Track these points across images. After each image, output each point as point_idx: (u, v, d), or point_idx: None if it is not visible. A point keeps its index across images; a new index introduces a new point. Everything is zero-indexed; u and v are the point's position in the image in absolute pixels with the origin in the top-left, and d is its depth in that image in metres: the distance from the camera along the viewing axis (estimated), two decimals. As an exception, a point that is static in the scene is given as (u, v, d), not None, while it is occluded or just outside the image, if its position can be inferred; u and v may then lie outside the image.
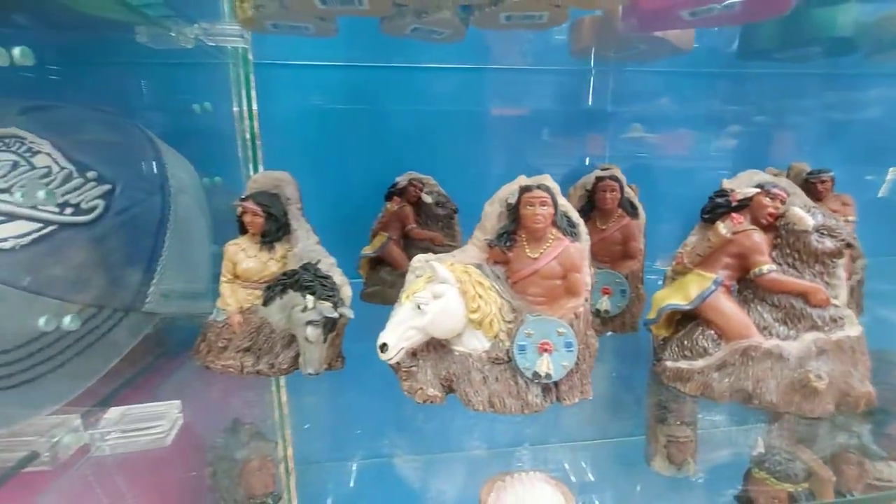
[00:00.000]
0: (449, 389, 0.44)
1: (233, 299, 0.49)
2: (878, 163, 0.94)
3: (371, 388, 0.51)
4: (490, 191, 0.88)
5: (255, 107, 0.71)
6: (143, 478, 0.43)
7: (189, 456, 0.44)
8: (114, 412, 0.40)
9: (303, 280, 0.45)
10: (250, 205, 0.48)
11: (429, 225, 0.74)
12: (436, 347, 0.44)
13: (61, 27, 0.54)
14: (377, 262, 0.73)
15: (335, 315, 0.43)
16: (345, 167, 0.80)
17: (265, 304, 0.48)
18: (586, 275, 0.43)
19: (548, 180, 0.45)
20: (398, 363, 0.43)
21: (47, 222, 0.44)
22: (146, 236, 0.51)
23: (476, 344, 0.43)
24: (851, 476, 0.39)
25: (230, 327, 0.48)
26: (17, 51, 0.36)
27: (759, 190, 0.45)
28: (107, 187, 0.47)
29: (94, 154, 0.48)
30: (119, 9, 0.54)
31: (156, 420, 0.40)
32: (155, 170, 0.54)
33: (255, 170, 0.75)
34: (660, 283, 0.52)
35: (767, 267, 0.43)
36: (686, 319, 0.48)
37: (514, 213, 0.44)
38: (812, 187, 0.64)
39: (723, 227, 0.45)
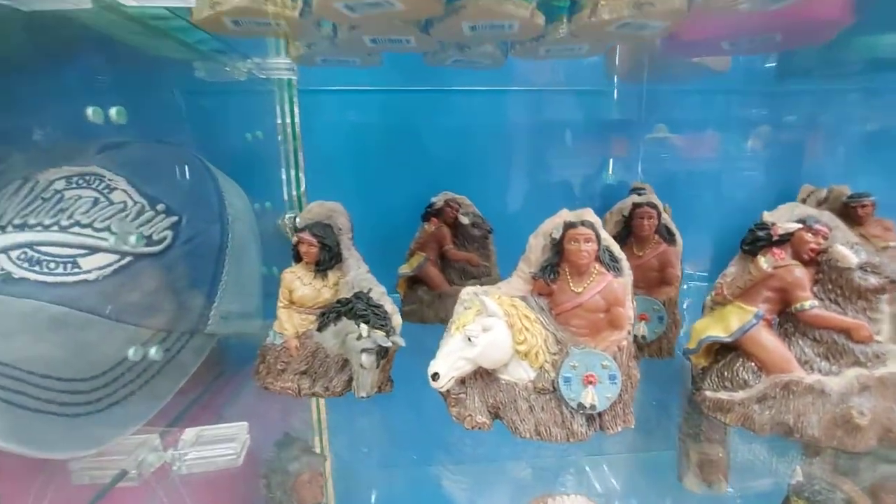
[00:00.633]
0: (495, 416, 0.46)
1: (289, 324, 0.52)
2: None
3: (412, 405, 0.53)
4: (523, 211, 0.90)
5: (298, 132, 0.75)
6: (215, 492, 0.47)
7: (249, 468, 0.47)
8: (189, 433, 0.44)
9: (357, 309, 0.47)
10: (306, 236, 0.51)
11: (465, 245, 0.77)
12: (482, 376, 0.46)
13: (126, 66, 0.58)
14: (414, 281, 0.76)
15: (388, 344, 0.46)
16: (382, 187, 0.83)
17: (319, 329, 0.51)
18: (629, 309, 0.44)
19: (590, 215, 0.46)
20: (448, 391, 0.45)
21: (124, 254, 0.47)
22: (208, 263, 0.55)
23: (522, 374, 0.45)
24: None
25: (288, 351, 0.52)
26: (112, 111, 0.39)
27: (800, 225, 0.45)
28: (174, 219, 0.51)
29: (162, 187, 0.52)
30: (179, 48, 0.58)
31: (228, 441, 0.43)
32: (214, 199, 0.57)
33: (298, 192, 0.78)
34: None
35: (810, 303, 0.44)
36: (725, 349, 0.49)
37: (557, 247, 0.46)
38: (852, 211, 0.64)
39: (764, 262, 0.46)
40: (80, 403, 0.41)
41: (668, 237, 0.59)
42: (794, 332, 0.45)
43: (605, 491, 0.45)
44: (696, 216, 0.88)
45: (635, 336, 0.59)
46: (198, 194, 0.56)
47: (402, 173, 0.83)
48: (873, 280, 0.44)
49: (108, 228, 0.47)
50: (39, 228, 0.46)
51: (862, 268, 0.44)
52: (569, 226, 0.45)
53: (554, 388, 0.44)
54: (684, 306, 0.67)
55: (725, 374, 0.47)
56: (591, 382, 0.42)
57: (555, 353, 0.44)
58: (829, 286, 0.45)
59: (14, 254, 0.44)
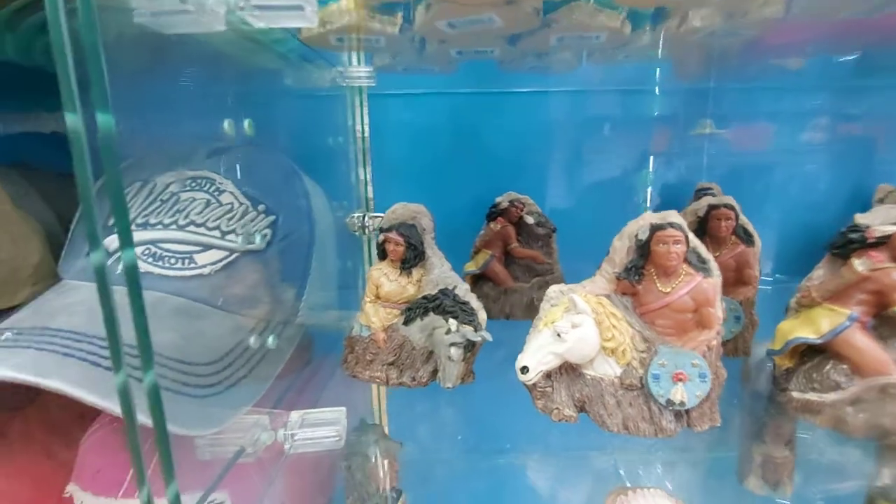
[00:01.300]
0: (580, 409, 0.47)
1: (376, 317, 0.56)
2: None
3: (482, 395, 0.56)
4: (584, 210, 0.90)
5: (367, 134, 0.78)
6: (307, 471, 0.51)
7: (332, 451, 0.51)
8: (294, 415, 0.47)
9: (445, 305, 0.50)
10: (394, 235, 0.54)
11: (528, 243, 0.78)
12: (567, 371, 0.48)
13: (230, 77, 0.62)
14: (479, 278, 0.78)
15: (477, 338, 0.48)
16: (446, 188, 0.86)
17: (406, 323, 0.54)
18: (719, 309, 0.45)
19: (676, 217, 0.47)
20: (534, 384, 0.47)
21: (232, 250, 0.52)
22: (299, 258, 0.59)
23: (608, 369, 0.46)
24: None
25: (376, 343, 0.55)
26: (245, 123, 0.43)
27: (900, 228, 0.45)
28: (272, 218, 0.55)
29: (262, 189, 0.56)
30: (274, 58, 0.62)
31: (330, 425, 0.46)
32: (303, 200, 0.61)
33: (367, 193, 0.82)
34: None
35: (909, 306, 0.44)
36: (813, 351, 0.49)
37: (643, 248, 0.47)
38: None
39: (859, 264, 0.45)
40: (204, 385, 0.45)
41: (746, 238, 0.59)
42: (891, 335, 0.45)
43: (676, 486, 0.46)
44: (762, 216, 0.86)
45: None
46: (290, 195, 0.60)
47: (466, 174, 0.86)
48: (979, 284, 0.43)
49: (219, 227, 0.51)
50: (160, 227, 0.51)
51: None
52: (656, 227, 0.46)
53: (641, 384, 0.45)
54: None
55: (814, 375, 0.47)
56: (680, 380, 0.43)
57: (642, 351, 0.45)
58: (930, 290, 0.44)
59: (140, 250, 0.49)
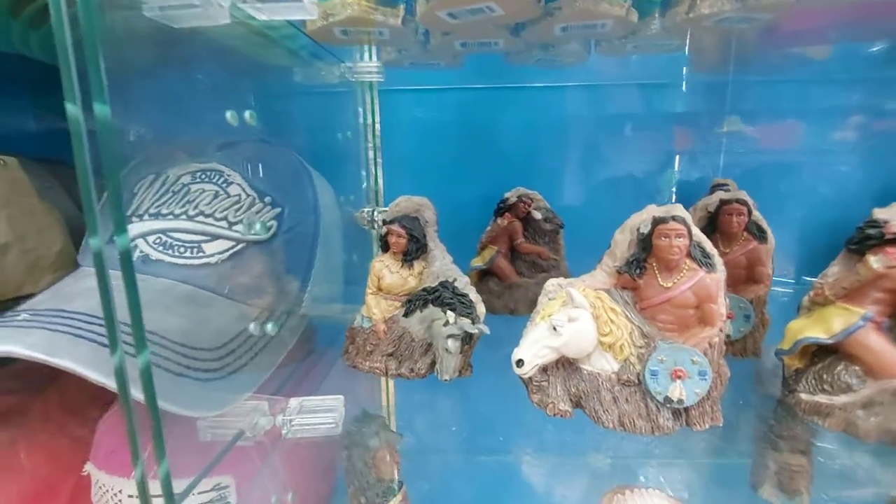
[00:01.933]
0: (577, 405, 0.47)
1: (377, 309, 0.56)
2: None
3: (482, 389, 0.56)
4: (592, 206, 0.89)
5: (377, 129, 0.79)
6: (308, 457, 0.52)
7: (332, 439, 0.52)
8: (293, 402, 0.49)
9: (444, 297, 0.50)
10: (396, 227, 0.55)
11: (535, 239, 0.78)
12: (564, 365, 0.47)
13: (238, 71, 0.64)
14: (485, 273, 0.78)
15: (474, 330, 0.48)
16: (454, 182, 0.86)
17: (406, 315, 0.54)
18: (722, 306, 0.44)
19: (680, 210, 0.46)
20: (530, 378, 0.47)
21: (238, 241, 0.53)
22: (304, 250, 0.60)
23: (605, 365, 0.46)
24: None
25: (376, 334, 0.55)
26: (247, 114, 0.45)
27: (919, 223, 0.42)
28: (278, 210, 0.56)
29: (269, 182, 0.58)
30: (283, 54, 0.63)
31: (328, 412, 0.47)
32: (309, 193, 0.62)
33: (376, 187, 0.83)
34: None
35: (928, 305, 0.41)
36: (824, 351, 0.47)
37: (645, 242, 0.46)
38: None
39: (875, 261, 0.43)
40: (208, 370, 0.47)
41: (759, 235, 0.57)
42: (908, 336, 0.43)
43: (677, 489, 0.44)
44: (783, 212, 0.83)
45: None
46: (296, 188, 0.62)
47: (474, 169, 0.86)
48: None
49: (226, 218, 0.53)
50: (171, 217, 0.53)
51: None
52: (659, 221, 0.45)
53: (639, 380, 0.44)
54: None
55: (824, 376, 0.45)
56: (679, 377, 0.42)
57: (640, 347, 0.45)
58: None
59: (151, 238, 0.51)
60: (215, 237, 0.52)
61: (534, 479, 0.52)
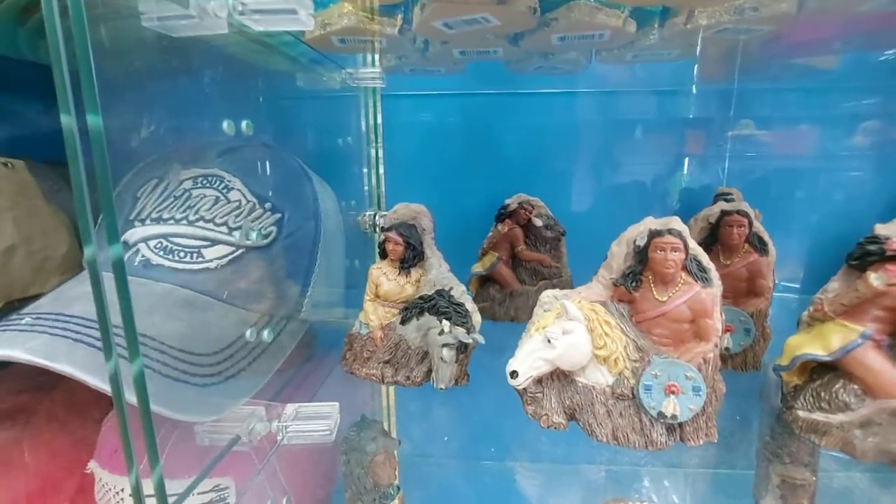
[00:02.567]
0: (571, 417, 0.47)
1: (374, 316, 0.57)
2: None
3: (482, 398, 0.56)
4: (596, 213, 0.89)
5: (379, 134, 0.79)
6: (305, 462, 0.52)
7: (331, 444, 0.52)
8: (289, 408, 0.49)
9: (439, 306, 0.50)
10: (393, 235, 0.55)
11: (536, 246, 0.77)
12: (559, 377, 0.47)
13: (238, 78, 0.65)
14: (486, 279, 0.78)
15: (469, 340, 0.49)
16: (456, 189, 0.86)
17: (402, 323, 0.54)
18: (717, 321, 0.43)
19: (677, 223, 0.46)
20: (525, 389, 0.47)
21: (238, 246, 0.54)
22: (304, 256, 0.60)
23: (599, 378, 0.45)
24: None
25: (373, 341, 0.56)
26: (243, 123, 0.45)
27: (921, 240, 0.42)
28: (278, 216, 0.57)
29: (269, 187, 0.58)
30: (284, 60, 0.64)
31: (323, 419, 0.48)
32: (310, 198, 0.63)
33: (378, 192, 0.83)
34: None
35: (928, 325, 0.41)
36: (823, 368, 0.46)
37: (641, 254, 0.46)
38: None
39: (875, 279, 0.43)
40: (206, 375, 0.47)
41: (760, 246, 0.56)
42: (909, 355, 0.42)
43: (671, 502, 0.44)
44: (787, 223, 0.82)
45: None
46: (297, 194, 0.62)
47: (476, 175, 0.86)
48: None
49: (226, 224, 0.53)
50: (172, 222, 0.53)
51: None
52: (655, 234, 0.44)
53: (633, 394, 0.44)
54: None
55: (822, 394, 0.44)
56: (673, 392, 0.42)
57: (635, 361, 0.44)
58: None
59: (152, 243, 0.52)
60: (215, 242, 0.53)
61: (529, 488, 0.52)
